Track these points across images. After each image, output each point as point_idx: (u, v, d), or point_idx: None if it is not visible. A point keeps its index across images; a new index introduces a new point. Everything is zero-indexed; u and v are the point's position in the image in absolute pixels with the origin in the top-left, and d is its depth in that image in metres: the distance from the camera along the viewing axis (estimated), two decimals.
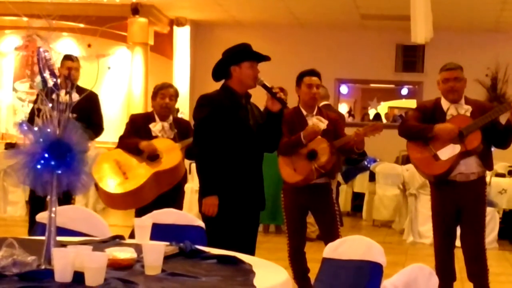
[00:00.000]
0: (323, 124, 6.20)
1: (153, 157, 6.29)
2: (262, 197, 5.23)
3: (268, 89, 5.01)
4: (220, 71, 5.12)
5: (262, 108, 5.35)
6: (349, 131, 6.37)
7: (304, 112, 6.23)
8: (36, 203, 7.08)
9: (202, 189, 5.04)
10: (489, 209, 8.25)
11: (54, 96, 3.01)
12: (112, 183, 6.17)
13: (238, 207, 5.04)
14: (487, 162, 5.99)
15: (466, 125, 5.85)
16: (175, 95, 6.59)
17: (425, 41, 10.30)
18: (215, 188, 4.97)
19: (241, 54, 5.07)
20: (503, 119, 5.91)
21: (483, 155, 5.93)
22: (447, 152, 5.87)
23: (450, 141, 5.88)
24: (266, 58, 5.06)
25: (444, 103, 6.03)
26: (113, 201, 6.30)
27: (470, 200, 5.95)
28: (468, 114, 5.95)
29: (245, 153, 5.04)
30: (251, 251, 5.02)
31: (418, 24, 9.64)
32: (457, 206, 5.97)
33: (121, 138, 6.53)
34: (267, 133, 5.16)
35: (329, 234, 5.99)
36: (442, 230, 6.04)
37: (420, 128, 5.99)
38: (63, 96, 3.02)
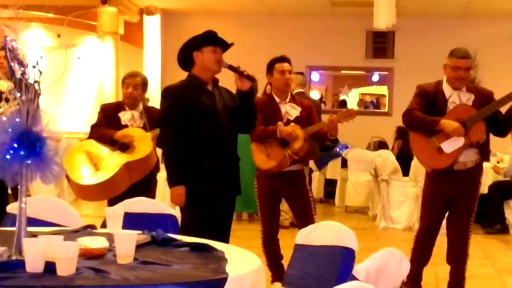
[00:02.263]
0: (295, 111, 6.21)
1: (124, 147, 6.26)
2: (237, 182, 5.23)
3: (235, 69, 5.03)
4: (184, 59, 5.11)
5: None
6: (322, 118, 6.36)
7: (277, 100, 6.23)
8: None
9: (169, 180, 5.04)
10: None
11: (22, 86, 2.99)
12: (83, 175, 6.13)
13: (213, 193, 5.03)
14: (484, 152, 5.93)
15: (470, 117, 5.76)
16: (142, 84, 6.50)
17: (387, 27, 10.38)
18: (180, 178, 4.97)
19: (202, 39, 5.07)
20: (503, 108, 5.85)
21: (481, 145, 5.86)
22: (451, 145, 5.78)
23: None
24: (227, 43, 5.08)
25: (447, 89, 5.90)
26: (84, 192, 6.27)
27: (466, 187, 5.92)
28: (470, 103, 5.85)
29: (215, 138, 5.02)
30: (226, 237, 5.03)
31: (381, 10, 9.71)
32: (452, 194, 5.94)
33: (93, 126, 6.47)
34: (242, 113, 5.17)
35: (304, 220, 5.96)
36: (432, 216, 6.02)
37: (426, 121, 5.84)
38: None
